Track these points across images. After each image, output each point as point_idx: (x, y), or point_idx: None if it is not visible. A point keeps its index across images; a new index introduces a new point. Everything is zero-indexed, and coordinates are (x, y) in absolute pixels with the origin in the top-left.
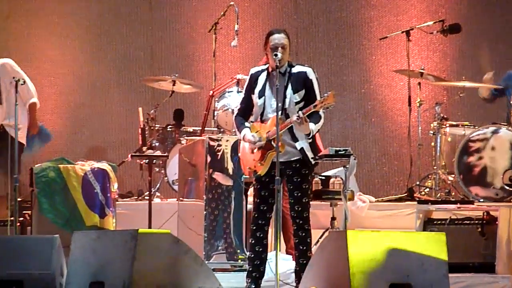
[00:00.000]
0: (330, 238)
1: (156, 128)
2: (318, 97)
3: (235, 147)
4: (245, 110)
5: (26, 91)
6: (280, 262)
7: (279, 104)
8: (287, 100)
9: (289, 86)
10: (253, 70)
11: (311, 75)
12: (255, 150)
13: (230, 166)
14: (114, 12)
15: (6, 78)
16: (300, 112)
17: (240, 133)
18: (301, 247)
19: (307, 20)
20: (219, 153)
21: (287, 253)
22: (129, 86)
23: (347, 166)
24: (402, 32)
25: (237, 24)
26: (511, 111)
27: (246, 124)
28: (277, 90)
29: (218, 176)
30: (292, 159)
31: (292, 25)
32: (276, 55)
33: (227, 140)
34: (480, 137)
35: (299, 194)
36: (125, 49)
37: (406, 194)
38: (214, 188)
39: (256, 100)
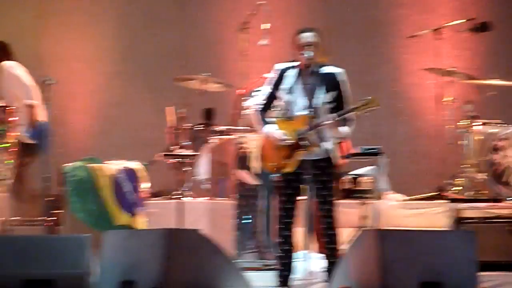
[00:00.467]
0: (361, 237)
1: (187, 127)
2: (348, 100)
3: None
4: (267, 106)
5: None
6: (312, 260)
7: (308, 103)
8: (317, 100)
9: (320, 86)
10: (280, 66)
11: (343, 77)
12: (280, 147)
13: (255, 164)
14: (145, 12)
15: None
16: (334, 114)
17: (263, 128)
18: (331, 246)
19: (336, 18)
20: (245, 152)
21: (320, 252)
22: (159, 85)
23: (378, 165)
24: (432, 30)
25: (267, 22)
26: None
27: (270, 119)
28: (307, 88)
29: (244, 175)
30: (318, 158)
31: (322, 23)
32: (302, 53)
33: (252, 139)
34: (508, 135)
35: (326, 193)
36: (155, 48)
37: (436, 192)
38: (244, 187)
39: (284, 97)
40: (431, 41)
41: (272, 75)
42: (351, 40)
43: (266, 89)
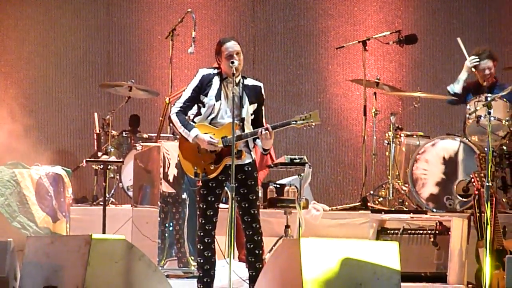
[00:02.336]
0: (284, 246)
1: (112, 133)
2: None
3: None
4: (188, 109)
5: None
6: (234, 268)
7: (235, 111)
8: (244, 110)
9: (245, 97)
10: (205, 72)
11: (263, 91)
12: (205, 152)
13: (172, 172)
14: (72, 17)
15: None
16: (268, 126)
17: (188, 131)
18: (257, 251)
19: (264, 28)
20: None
21: (240, 260)
22: (85, 91)
23: (302, 175)
24: (359, 42)
25: (194, 31)
26: (467, 120)
27: (193, 123)
28: (233, 97)
29: (167, 182)
30: (244, 162)
31: (249, 33)
32: (233, 62)
33: (174, 145)
34: (425, 148)
35: (254, 197)
36: (81, 54)
37: (360, 203)
38: (168, 194)
39: (210, 103)
40: (357, 52)
41: (196, 80)
42: (278, 50)
43: (188, 93)
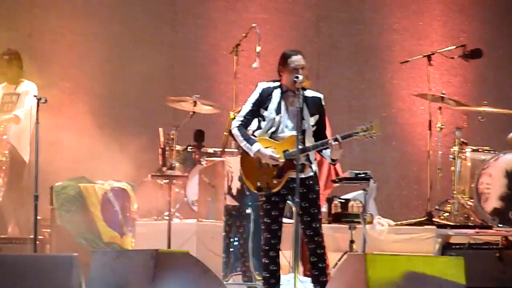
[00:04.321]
0: (349, 261)
1: (177, 148)
2: (325, 125)
3: None
4: (248, 123)
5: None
6: (298, 283)
7: (297, 124)
8: (305, 122)
9: (306, 109)
10: (264, 85)
11: (323, 102)
12: (267, 166)
13: (235, 185)
14: (136, 32)
15: None
16: (338, 136)
17: (250, 145)
18: (320, 265)
19: (328, 43)
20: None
21: (305, 275)
22: (150, 107)
23: (367, 189)
24: (423, 56)
25: (259, 46)
26: None
27: (252, 137)
28: (295, 110)
29: (232, 197)
30: (306, 176)
31: (313, 48)
32: (297, 77)
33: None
34: (489, 163)
35: (316, 210)
36: (146, 69)
37: (425, 218)
38: (232, 208)
39: (271, 116)
40: (422, 67)
41: (256, 94)
42: (342, 65)
43: (248, 106)
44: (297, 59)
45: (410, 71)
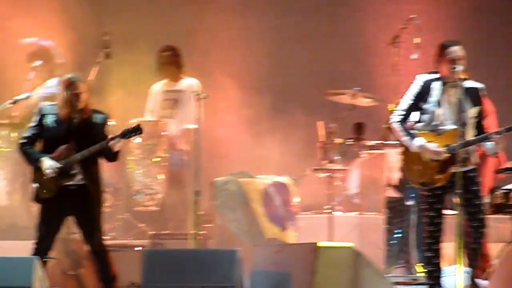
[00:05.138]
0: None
1: (337, 142)
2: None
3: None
4: (408, 116)
5: None
6: (463, 275)
7: (458, 117)
8: (466, 115)
9: (467, 100)
10: (424, 78)
11: (484, 92)
12: (430, 161)
13: (396, 178)
14: (294, 26)
15: None
16: (501, 129)
17: (411, 140)
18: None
19: (486, 32)
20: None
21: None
22: (309, 100)
23: None
24: None
25: (418, 37)
26: None
27: (413, 131)
28: (456, 102)
29: (393, 190)
30: (468, 168)
31: (471, 37)
32: (454, 68)
33: (397, 153)
34: None
35: (479, 202)
36: (305, 62)
37: None
38: (394, 201)
39: (433, 109)
40: None
41: (415, 87)
42: (500, 54)
43: (407, 100)
44: (455, 50)
45: None
